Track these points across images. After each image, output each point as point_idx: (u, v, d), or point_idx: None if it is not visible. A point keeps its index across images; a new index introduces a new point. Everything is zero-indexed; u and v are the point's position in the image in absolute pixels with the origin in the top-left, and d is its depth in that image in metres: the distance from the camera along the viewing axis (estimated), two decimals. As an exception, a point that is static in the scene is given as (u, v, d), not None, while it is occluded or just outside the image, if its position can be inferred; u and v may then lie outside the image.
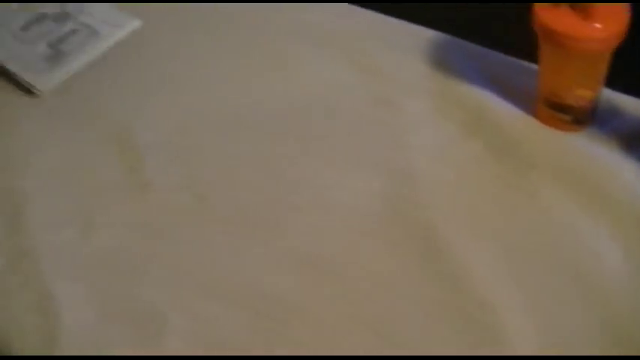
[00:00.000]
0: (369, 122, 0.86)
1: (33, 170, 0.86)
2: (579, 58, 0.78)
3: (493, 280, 0.70)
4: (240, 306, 0.71)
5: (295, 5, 1.03)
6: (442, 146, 0.83)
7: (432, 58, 0.92)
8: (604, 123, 0.83)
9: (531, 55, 0.83)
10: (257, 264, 0.74)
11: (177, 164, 0.85)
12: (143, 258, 0.77)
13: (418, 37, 0.95)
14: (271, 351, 0.68)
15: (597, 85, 0.81)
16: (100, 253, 0.77)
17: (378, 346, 0.67)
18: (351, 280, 0.72)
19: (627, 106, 0.84)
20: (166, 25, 1.05)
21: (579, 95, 0.80)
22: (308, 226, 0.77)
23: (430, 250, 0.73)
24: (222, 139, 0.87)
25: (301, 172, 0.82)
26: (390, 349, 0.67)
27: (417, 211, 0.77)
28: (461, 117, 0.85)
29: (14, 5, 1.07)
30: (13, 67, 0.99)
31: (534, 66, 0.83)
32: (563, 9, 0.76)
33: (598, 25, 0.75)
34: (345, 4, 1.02)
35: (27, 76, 0.97)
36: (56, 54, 1.00)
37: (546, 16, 0.76)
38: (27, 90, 0.96)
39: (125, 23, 1.05)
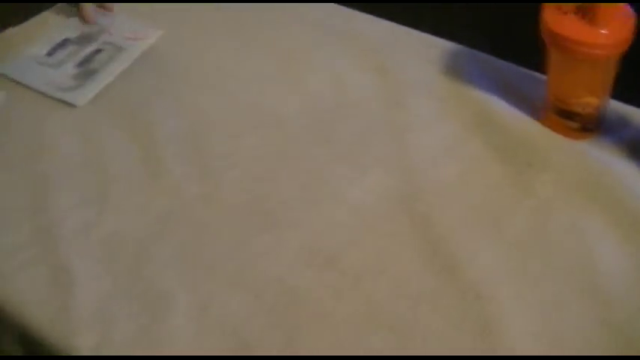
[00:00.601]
0: (379, 122, 0.89)
1: (60, 158, 0.89)
2: (586, 63, 0.78)
3: (493, 275, 0.71)
4: (246, 291, 0.72)
5: (314, 7, 1.08)
6: (448, 146, 0.85)
7: (441, 64, 0.96)
8: (611, 132, 0.84)
9: (540, 65, 0.84)
10: (266, 254, 0.76)
11: (194, 158, 0.88)
12: (154, 241, 0.78)
13: (429, 44, 1.00)
14: (271, 336, 0.68)
15: (604, 92, 0.82)
16: (114, 234, 0.79)
17: (388, 339, 0.67)
18: (357, 273, 0.73)
19: (635, 117, 0.86)
20: (187, 31, 1.08)
21: (586, 102, 0.81)
22: (318, 221, 0.78)
23: (434, 245, 0.74)
24: (239, 137, 0.90)
25: (314, 169, 0.84)
26: (400, 342, 0.67)
27: (423, 208, 0.78)
28: (467, 119, 0.88)
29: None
30: (45, 89, 0.99)
31: (543, 76, 0.85)
32: (571, 15, 0.77)
33: (604, 31, 0.75)
34: (364, 14, 1.07)
35: (61, 95, 0.98)
36: (85, 72, 1.01)
37: (554, 21, 0.77)
38: (63, 104, 0.97)
39: (147, 35, 1.07)
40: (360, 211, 0.78)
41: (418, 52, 0.99)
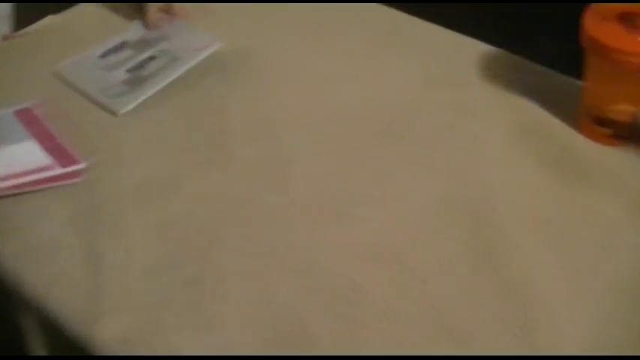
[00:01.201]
0: (442, 128, 0.91)
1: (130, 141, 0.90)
2: (624, 71, 0.78)
3: (554, 287, 0.71)
4: (311, 283, 0.72)
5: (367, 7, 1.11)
6: (505, 156, 0.86)
7: (504, 76, 0.97)
8: None
9: (577, 72, 0.86)
10: (328, 248, 0.76)
11: (261, 150, 0.88)
12: (222, 225, 0.78)
13: (492, 55, 1.01)
14: (334, 329, 0.68)
15: None
16: (175, 215, 0.80)
17: (443, 337, 0.68)
18: (422, 274, 0.73)
19: None
20: (243, 41, 1.04)
21: (622, 110, 0.81)
22: (385, 219, 0.79)
23: (496, 252, 0.75)
24: (306, 135, 0.90)
25: (382, 168, 0.85)
26: (456, 343, 0.67)
27: (488, 214, 0.79)
28: (514, 128, 0.89)
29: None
30: (93, 92, 0.95)
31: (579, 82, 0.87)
32: (612, 23, 0.78)
33: None
34: (425, 22, 1.08)
35: (106, 101, 0.94)
36: (135, 78, 0.97)
37: (594, 29, 0.78)
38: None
39: (207, 45, 1.01)
40: (426, 212, 0.79)
41: (480, 62, 1.00)
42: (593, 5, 0.82)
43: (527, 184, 0.82)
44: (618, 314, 0.69)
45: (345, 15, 1.10)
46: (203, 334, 0.68)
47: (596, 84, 0.83)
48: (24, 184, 0.82)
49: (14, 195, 0.82)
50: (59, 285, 0.73)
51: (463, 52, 1.01)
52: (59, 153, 0.86)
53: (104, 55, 1.01)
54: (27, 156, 0.85)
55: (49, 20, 1.10)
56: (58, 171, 0.84)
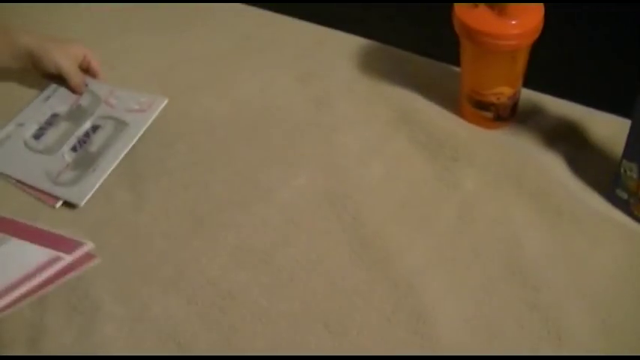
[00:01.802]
0: (304, 123, 0.90)
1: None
2: (497, 54, 0.80)
3: (424, 266, 0.73)
4: (180, 296, 0.72)
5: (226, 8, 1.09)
6: (371, 144, 0.86)
7: (359, 63, 0.97)
8: (525, 120, 0.87)
9: (455, 58, 0.86)
10: (192, 259, 0.75)
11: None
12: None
13: (346, 42, 1.01)
14: (207, 339, 0.68)
15: (516, 81, 0.84)
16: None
17: (318, 330, 0.68)
18: (290, 272, 0.73)
19: (547, 105, 0.88)
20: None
21: (499, 92, 0.83)
22: (249, 222, 0.78)
23: (365, 241, 0.75)
24: (169, 146, 0.88)
25: (243, 171, 0.84)
26: (335, 337, 0.68)
27: (353, 206, 0.79)
28: (388, 116, 0.89)
29: None
30: (36, 183, 0.82)
31: (458, 68, 0.87)
32: (482, 8, 0.79)
33: (513, 22, 0.77)
34: (279, 14, 1.07)
35: (58, 191, 0.81)
36: (83, 158, 0.85)
37: (465, 15, 0.79)
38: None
39: (152, 104, 0.90)
40: (291, 210, 0.79)
41: (339, 52, 0.99)
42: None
43: (400, 173, 0.82)
44: (486, 281, 0.71)
45: (208, 16, 1.08)
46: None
47: (472, 68, 0.84)
48: (40, 285, 0.73)
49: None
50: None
51: (333, 46, 1.00)
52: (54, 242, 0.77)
53: (37, 136, 0.88)
54: (23, 256, 0.75)
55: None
56: (69, 258, 0.75)
